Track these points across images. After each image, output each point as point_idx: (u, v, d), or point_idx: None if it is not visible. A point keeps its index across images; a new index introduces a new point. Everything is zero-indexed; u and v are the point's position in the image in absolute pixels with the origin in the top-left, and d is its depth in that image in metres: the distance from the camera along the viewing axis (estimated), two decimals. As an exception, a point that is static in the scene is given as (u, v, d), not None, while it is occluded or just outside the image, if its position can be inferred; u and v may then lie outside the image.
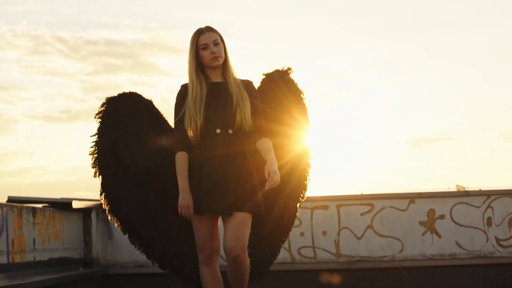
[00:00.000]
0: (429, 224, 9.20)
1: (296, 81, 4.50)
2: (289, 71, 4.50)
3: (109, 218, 4.28)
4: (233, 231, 3.92)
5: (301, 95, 4.48)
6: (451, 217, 9.18)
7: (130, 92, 4.29)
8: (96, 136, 4.24)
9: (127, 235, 4.27)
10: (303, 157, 4.43)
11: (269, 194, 4.08)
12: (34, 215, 7.48)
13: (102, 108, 4.27)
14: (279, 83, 4.42)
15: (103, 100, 4.26)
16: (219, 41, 4.09)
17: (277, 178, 3.89)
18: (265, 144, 4.06)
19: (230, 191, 3.94)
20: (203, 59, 4.08)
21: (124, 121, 4.23)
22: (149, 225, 4.21)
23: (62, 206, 8.60)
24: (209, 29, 4.15)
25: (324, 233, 9.28)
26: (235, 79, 4.15)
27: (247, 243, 3.97)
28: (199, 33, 4.12)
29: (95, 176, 4.27)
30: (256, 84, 4.34)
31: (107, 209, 4.26)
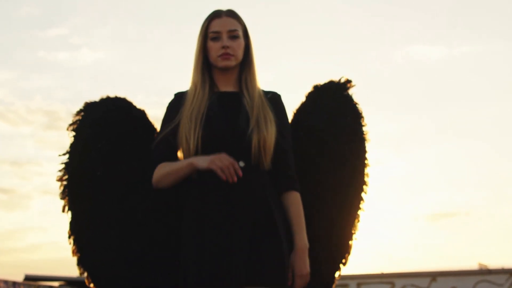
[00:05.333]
0: (452, 303, 7.69)
1: (356, 100, 2.62)
2: (349, 85, 2.61)
3: (78, 271, 2.40)
4: None
5: (361, 121, 2.59)
6: (475, 296, 7.70)
7: (116, 97, 2.48)
8: (68, 155, 2.43)
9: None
10: (347, 229, 2.57)
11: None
12: (52, 294, 5.93)
13: (77, 117, 2.46)
14: (330, 101, 2.57)
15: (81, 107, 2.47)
16: (239, 33, 2.38)
17: (305, 282, 2.33)
18: (295, 210, 2.36)
19: (243, 257, 2.21)
20: (209, 53, 2.39)
21: (106, 138, 2.43)
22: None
23: (79, 284, 7.62)
24: (230, 14, 2.40)
25: (344, 313, 7.72)
26: (258, 89, 2.41)
27: None
28: (214, 15, 2.40)
29: (63, 210, 2.43)
30: (295, 99, 2.59)
31: (76, 258, 2.40)
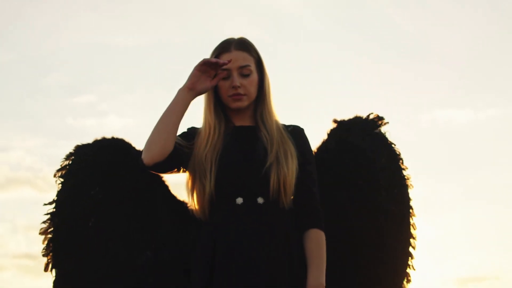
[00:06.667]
0: None
1: (391, 139, 2.27)
2: (381, 122, 2.27)
3: None
4: None
5: (401, 164, 2.24)
6: None
7: (113, 138, 2.11)
8: (54, 205, 2.05)
9: None
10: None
11: None
12: None
13: (67, 162, 2.09)
14: (359, 139, 2.23)
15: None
16: (250, 69, 2.10)
17: None
18: (313, 246, 2.03)
19: None
20: (220, 92, 2.13)
21: (100, 183, 2.05)
22: None
23: None
24: (240, 46, 2.11)
25: None
26: (276, 123, 2.13)
27: None
28: (222, 50, 2.12)
29: (46, 269, 2.02)
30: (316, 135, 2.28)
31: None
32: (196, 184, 2.04)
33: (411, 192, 2.26)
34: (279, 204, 2.01)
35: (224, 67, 2.08)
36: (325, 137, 2.26)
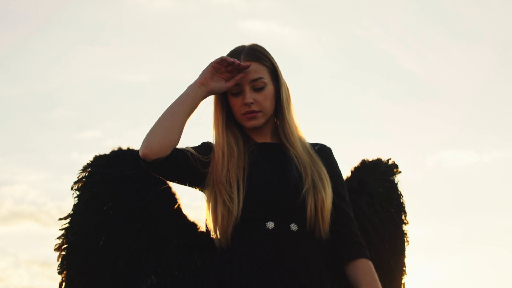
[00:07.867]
0: None
1: (400, 189, 2.17)
2: (396, 170, 2.17)
3: None
4: None
5: (404, 218, 2.13)
6: None
7: (129, 150, 1.95)
8: (69, 220, 1.92)
9: None
10: None
11: None
12: None
13: (83, 174, 1.96)
14: (377, 184, 2.11)
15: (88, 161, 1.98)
16: (264, 81, 1.88)
17: None
18: (369, 280, 1.82)
19: None
20: (232, 110, 1.94)
21: (114, 198, 1.89)
22: None
23: None
24: (250, 56, 1.89)
25: None
26: (301, 140, 1.94)
27: None
28: None
29: (60, 287, 1.89)
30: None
31: None
32: (219, 206, 1.81)
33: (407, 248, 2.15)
34: (315, 233, 1.82)
35: (236, 82, 1.88)
36: (349, 174, 2.15)
